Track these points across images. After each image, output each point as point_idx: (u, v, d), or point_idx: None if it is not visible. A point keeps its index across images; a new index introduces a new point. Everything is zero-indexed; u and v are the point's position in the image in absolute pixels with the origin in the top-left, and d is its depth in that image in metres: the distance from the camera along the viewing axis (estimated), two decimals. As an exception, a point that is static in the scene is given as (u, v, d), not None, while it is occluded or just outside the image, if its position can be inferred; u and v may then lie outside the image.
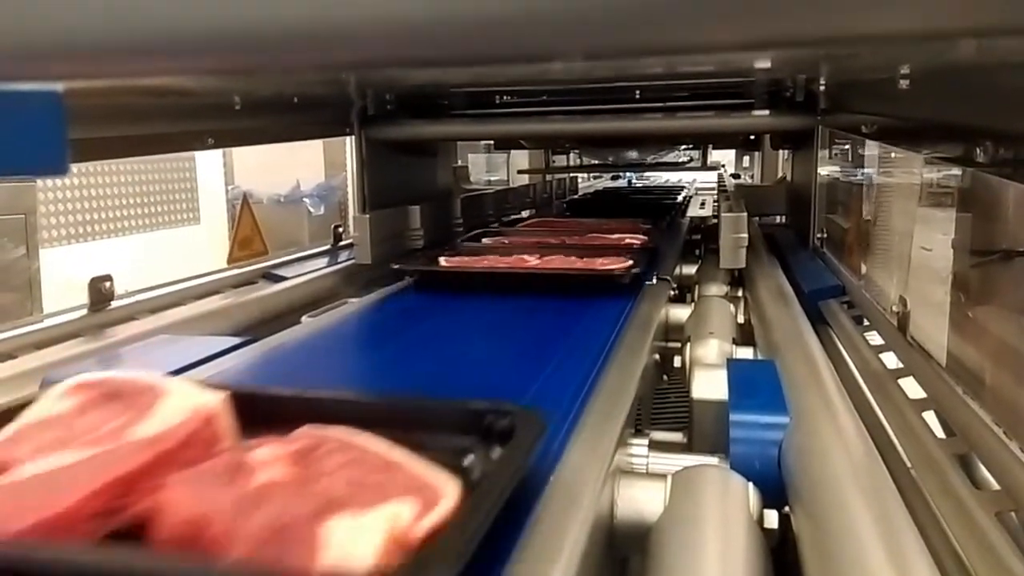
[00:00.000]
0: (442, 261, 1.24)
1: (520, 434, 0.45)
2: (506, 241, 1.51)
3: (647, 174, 4.52)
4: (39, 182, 2.10)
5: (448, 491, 0.38)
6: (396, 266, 1.22)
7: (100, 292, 1.07)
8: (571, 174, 3.25)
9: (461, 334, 0.97)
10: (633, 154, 2.75)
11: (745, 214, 1.25)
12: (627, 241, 1.45)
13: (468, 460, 0.44)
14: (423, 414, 0.49)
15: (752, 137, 2.53)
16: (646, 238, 1.46)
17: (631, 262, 1.13)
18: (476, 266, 1.23)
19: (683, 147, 2.87)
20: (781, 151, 2.56)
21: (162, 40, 0.20)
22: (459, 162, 2.38)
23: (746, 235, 1.22)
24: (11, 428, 0.43)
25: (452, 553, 0.33)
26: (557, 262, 1.22)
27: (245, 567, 0.34)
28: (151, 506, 0.37)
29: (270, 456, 0.40)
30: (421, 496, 0.38)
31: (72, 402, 0.44)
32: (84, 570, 0.33)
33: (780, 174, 2.63)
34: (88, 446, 0.40)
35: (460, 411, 0.48)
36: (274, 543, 0.34)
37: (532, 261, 1.24)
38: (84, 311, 1.05)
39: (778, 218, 2.20)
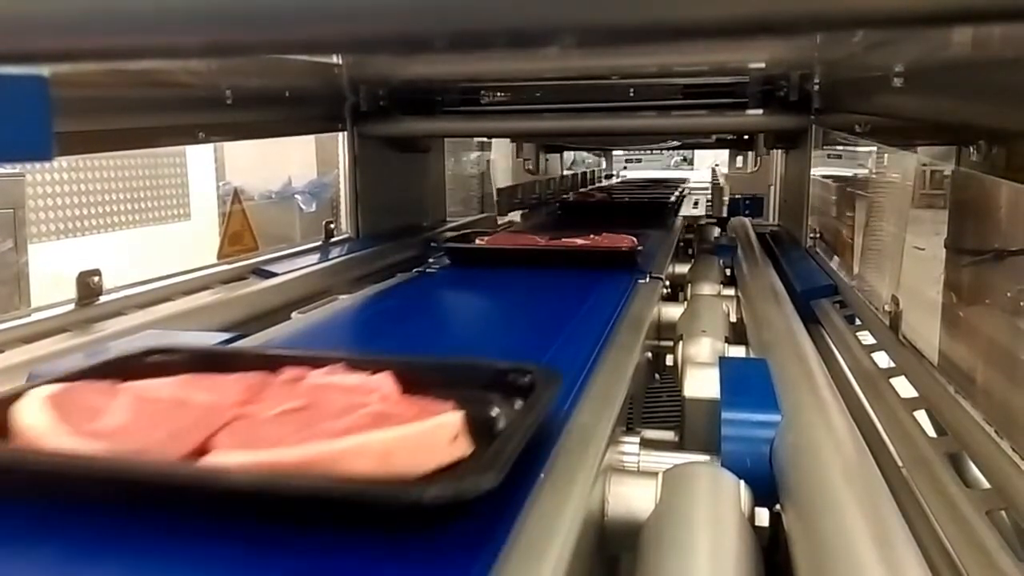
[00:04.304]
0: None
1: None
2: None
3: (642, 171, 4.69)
4: (28, 176, 2.09)
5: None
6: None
7: (88, 287, 1.06)
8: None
9: (451, 327, 0.97)
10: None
11: (727, 186, 1.39)
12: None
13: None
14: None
15: (746, 137, 2.54)
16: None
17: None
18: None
19: (672, 149, 3.01)
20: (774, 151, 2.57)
21: (149, 18, 0.20)
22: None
23: (727, 197, 1.41)
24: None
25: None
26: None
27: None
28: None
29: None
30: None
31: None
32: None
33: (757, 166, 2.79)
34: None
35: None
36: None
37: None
38: (72, 306, 1.04)
39: (771, 217, 2.21)
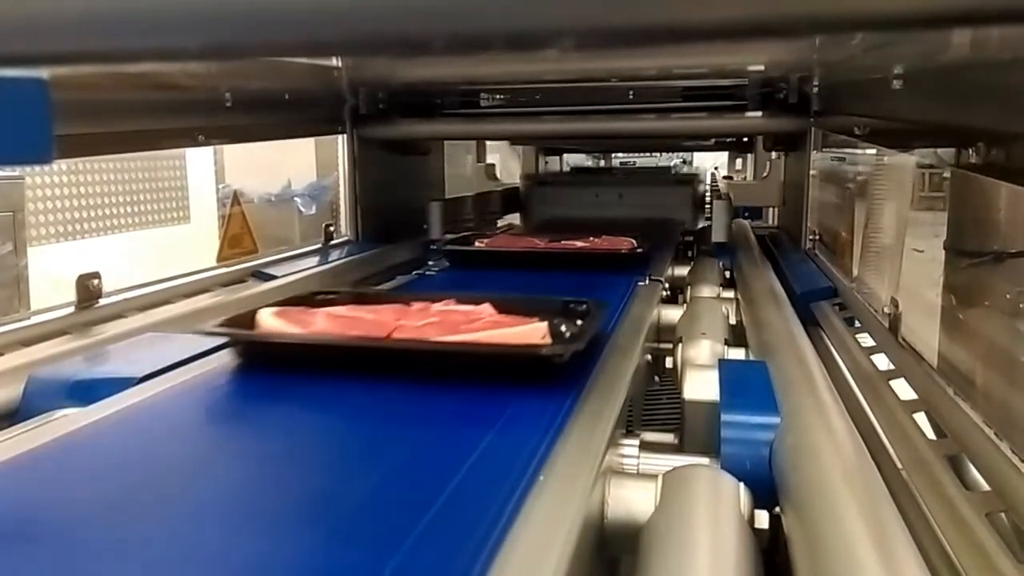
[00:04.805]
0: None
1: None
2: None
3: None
4: (28, 179, 2.09)
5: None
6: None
7: (88, 289, 1.06)
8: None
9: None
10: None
11: (731, 201, 1.35)
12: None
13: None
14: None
15: (745, 139, 2.54)
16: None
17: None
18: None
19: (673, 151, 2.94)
20: (774, 153, 2.57)
21: (148, 20, 0.20)
22: (487, 160, 2.51)
23: (731, 216, 1.49)
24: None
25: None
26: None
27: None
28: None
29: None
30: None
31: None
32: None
33: (765, 172, 2.64)
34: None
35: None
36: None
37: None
38: (71, 308, 1.04)
39: (771, 220, 2.21)
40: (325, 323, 0.76)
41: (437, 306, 0.82)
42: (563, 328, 0.75)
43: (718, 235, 1.60)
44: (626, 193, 2.09)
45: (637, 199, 2.08)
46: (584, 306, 0.80)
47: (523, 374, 0.65)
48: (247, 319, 0.76)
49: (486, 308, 0.80)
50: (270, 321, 0.75)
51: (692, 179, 2.23)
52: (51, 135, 0.28)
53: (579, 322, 0.76)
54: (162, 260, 2.35)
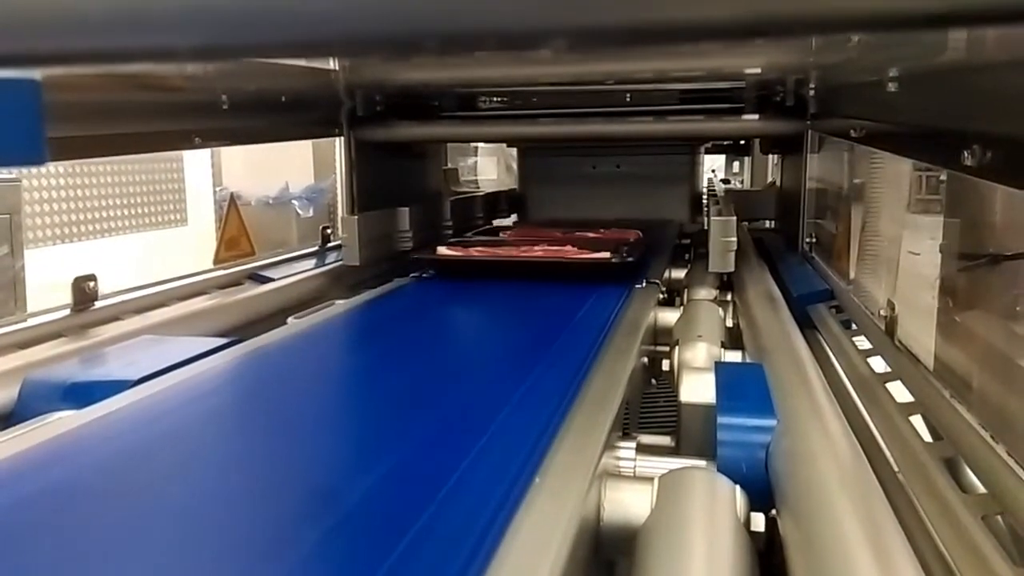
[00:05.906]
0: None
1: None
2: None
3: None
4: (25, 182, 2.08)
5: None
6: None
7: (84, 292, 1.05)
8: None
9: (448, 335, 0.97)
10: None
11: (734, 218, 1.27)
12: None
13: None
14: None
15: (742, 142, 2.54)
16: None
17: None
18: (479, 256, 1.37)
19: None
20: (771, 156, 2.57)
21: (143, 19, 0.20)
22: (448, 164, 2.27)
23: (735, 239, 1.24)
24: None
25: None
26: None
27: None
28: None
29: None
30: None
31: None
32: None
33: (770, 179, 2.61)
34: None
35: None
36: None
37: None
38: (67, 311, 1.04)
39: (767, 223, 2.20)
40: (477, 253, 1.32)
41: (537, 247, 1.35)
42: (617, 256, 1.25)
43: (717, 263, 1.27)
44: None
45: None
46: (628, 244, 1.38)
47: (600, 276, 1.19)
48: (431, 249, 1.34)
49: (569, 247, 1.34)
50: (448, 251, 1.33)
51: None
52: (43, 136, 0.28)
53: (626, 251, 1.29)
54: (159, 262, 2.34)
